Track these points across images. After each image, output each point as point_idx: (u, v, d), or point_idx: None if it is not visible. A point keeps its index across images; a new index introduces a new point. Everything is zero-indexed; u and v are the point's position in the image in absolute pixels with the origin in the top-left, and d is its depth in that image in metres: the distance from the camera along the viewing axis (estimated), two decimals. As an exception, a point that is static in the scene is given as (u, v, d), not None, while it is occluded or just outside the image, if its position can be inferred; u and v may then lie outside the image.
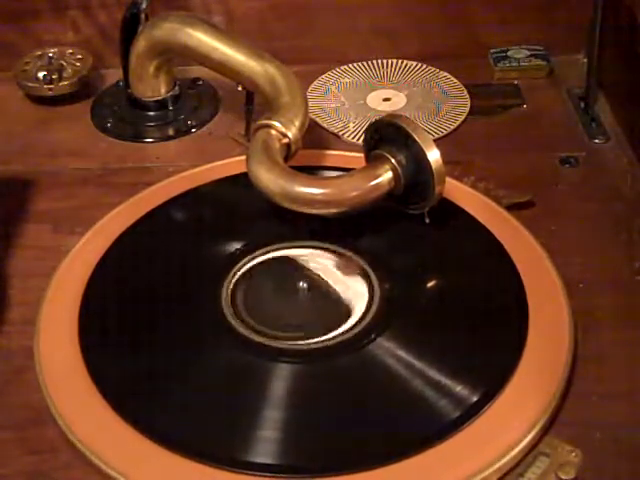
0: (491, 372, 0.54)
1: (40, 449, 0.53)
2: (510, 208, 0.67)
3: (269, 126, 0.65)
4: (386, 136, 0.63)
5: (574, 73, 0.84)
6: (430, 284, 0.62)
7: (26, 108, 0.83)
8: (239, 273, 0.62)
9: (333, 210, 0.62)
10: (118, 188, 0.71)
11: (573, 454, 0.50)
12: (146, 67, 0.77)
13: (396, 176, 0.62)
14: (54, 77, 0.81)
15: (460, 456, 0.50)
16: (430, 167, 0.61)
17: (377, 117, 0.65)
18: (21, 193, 0.72)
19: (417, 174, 0.62)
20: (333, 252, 0.63)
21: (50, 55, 0.84)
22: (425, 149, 0.61)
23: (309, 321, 0.59)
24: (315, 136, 0.77)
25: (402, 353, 0.56)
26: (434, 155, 0.61)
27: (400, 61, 0.87)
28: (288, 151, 0.66)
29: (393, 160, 0.62)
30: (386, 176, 0.62)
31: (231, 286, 0.61)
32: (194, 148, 0.77)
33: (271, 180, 0.62)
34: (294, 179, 0.61)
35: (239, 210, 0.68)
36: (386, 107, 0.81)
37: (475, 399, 0.52)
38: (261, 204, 0.63)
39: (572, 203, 0.70)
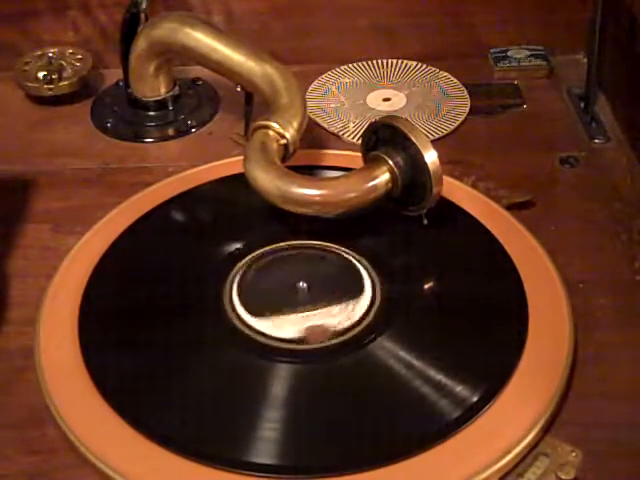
0: (491, 372, 0.54)
1: (40, 449, 0.52)
2: (510, 208, 0.67)
3: (267, 127, 0.65)
4: (384, 137, 0.63)
5: (574, 73, 0.84)
6: (430, 284, 0.62)
7: (26, 108, 0.83)
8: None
9: (330, 211, 0.62)
10: (118, 188, 0.71)
11: (573, 454, 0.50)
12: (146, 67, 0.77)
13: (393, 177, 0.62)
14: (54, 77, 0.81)
15: (460, 456, 0.50)
16: (427, 168, 0.61)
17: (375, 118, 0.65)
18: (21, 193, 0.72)
19: (414, 175, 0.62)
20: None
21: (50, 55, 0.84)
22: (422, 150, 0.61)
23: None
24: (315, 136, 0.77)
25: (402, 353, 0.56)
26: (431, 156, 0.61)
27: (400, 61, 0.87)
28: (286, 152, 0.65)
29: (390, 161, 0.62)
30: (383, 177, 0.62)
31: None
32: (194, 148, 0.77)
33: (268, 181, 0.61)
34: (291, 180, 0.61)
35: (239, 210, 0.68)
36: (386, 107, 0.81)
37: (475, 399, 0.52)
38: (261, 204, 0.63)
39: (572, 203, 0.70)
